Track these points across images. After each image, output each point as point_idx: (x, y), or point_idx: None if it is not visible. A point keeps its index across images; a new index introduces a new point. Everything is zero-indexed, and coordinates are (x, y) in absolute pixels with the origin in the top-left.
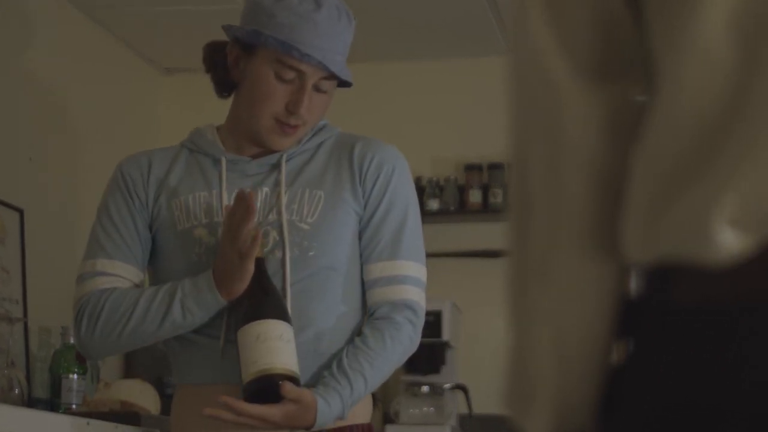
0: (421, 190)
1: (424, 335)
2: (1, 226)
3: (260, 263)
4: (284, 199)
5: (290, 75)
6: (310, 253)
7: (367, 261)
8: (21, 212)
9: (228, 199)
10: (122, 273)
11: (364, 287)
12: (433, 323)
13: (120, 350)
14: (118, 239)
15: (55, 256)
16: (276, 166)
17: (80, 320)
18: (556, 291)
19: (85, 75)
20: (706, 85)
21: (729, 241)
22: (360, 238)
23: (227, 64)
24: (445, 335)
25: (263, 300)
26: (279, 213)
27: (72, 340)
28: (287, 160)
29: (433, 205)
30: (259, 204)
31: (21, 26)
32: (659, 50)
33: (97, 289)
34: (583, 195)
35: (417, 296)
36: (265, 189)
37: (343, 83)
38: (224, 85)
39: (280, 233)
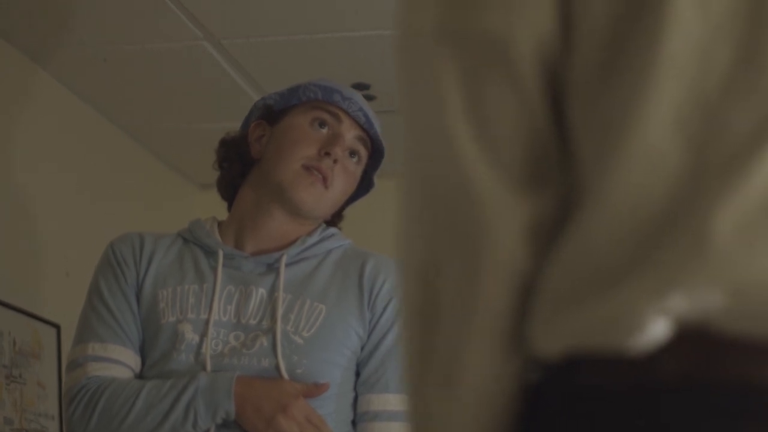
0: None
1: None
2: (37, 342)
3: None
4: (281, 307)
5: (329, 120)
6: (298, 371)
7: (369, 390)
8: (58, 328)
9: (220, 294)
10: (116, 356)
11: (357, 416)
12: None
13: None
14: (111, 321)
15: None
16: (273, 267)
17: (74, 409)
18: (462, 397)
19: (121, 189)
20: (650, 184)
21: (658, 331)
22: (359, 363)
23: (244, 151)
24: None
25: None
26: (273, 320)
27: None
28: (289, 264)
29: None
30: (252, 305)
31: (55, 141)
32: (591, 153)
33: (94, 376)
34: (502, 300)
35: None
36: (261, 290)
37: (369, 179)
38: (235, 177)
39: (272, 341)
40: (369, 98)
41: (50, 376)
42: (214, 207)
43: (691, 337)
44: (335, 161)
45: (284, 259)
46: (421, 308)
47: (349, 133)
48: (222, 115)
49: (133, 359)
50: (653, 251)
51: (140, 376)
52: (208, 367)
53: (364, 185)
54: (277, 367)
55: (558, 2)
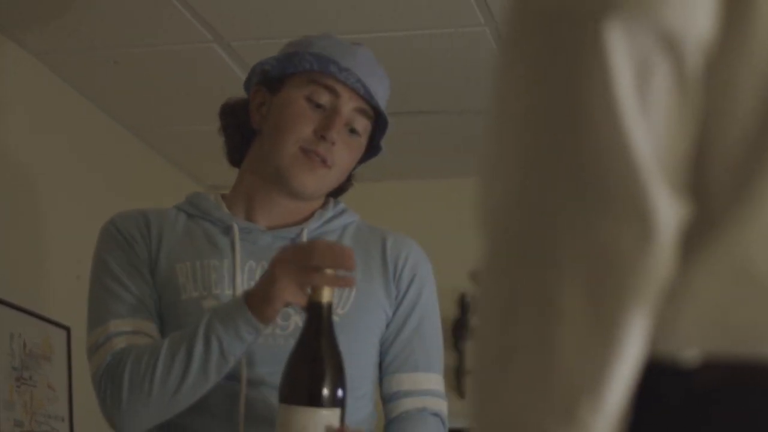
0: (466, 307)
1: None
2: (48, 344)
3: (324, 310)
4: None
5: (324, 97)
6: None
7: (398, 369)
8: (68, 330)
9: (241, 270)
10: (139, 328)
11: (387, 396)
12: None
13: (155, 414)
14: (128, 297)
15: None
16: (294, 243)
17: (104, 390)
18: (608, 409)
19: (131, 191)
20: None
21: None
22: (384, 340)
23: (245, 120)
24: None
25: (316, 371)
26: None
27: None
28: (309, 239)
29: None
30: None
31: (66, 144)
32: (737, 161)
33: (118, 350)
34: (647, 303)
35: (446, 409)
36: None
37: (375, 144)
38: (239, 145)
39: None
40: None
41: (60, 379)
42: None
43: None
44: (333, 143)
45: (305, 234)
46: (545, 294)
47: (347, 107)
48: None
49: (155, 331)
50: None
51: None
52: None
53: (372, 148)
54: None
55: (724, 12)
